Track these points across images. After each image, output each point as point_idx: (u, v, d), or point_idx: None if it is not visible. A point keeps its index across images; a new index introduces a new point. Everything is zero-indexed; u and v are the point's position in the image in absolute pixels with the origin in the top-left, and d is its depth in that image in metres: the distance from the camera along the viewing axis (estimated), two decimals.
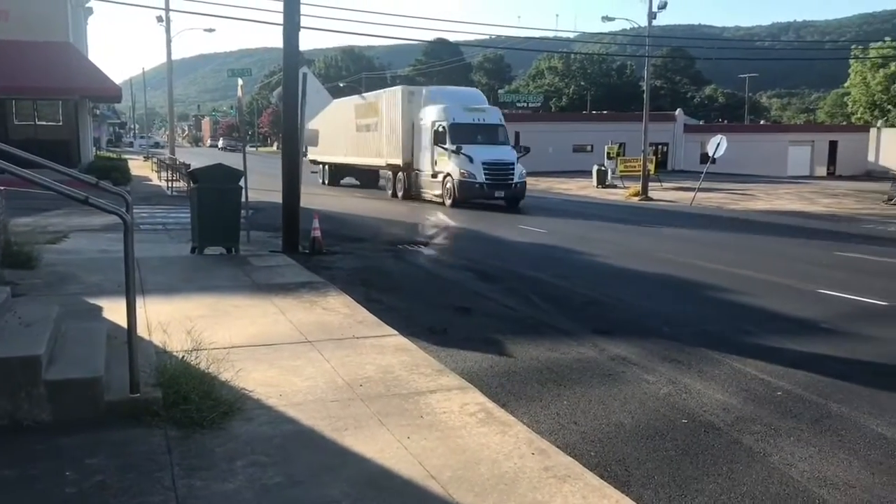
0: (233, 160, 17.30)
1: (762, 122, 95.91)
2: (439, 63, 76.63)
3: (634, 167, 35.64)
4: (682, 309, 9.94)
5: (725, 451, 5.11)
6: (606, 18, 38.52)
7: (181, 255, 12.36)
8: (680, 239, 17.73)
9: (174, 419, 4.88)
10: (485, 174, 23.84)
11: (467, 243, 16.61)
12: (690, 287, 11.43)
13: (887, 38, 74.54)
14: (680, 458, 5.00)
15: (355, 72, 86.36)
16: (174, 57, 42.19)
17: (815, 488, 4.59)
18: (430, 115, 25.83)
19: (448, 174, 24.57)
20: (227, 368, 5.81)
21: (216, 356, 5.89)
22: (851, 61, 67.96)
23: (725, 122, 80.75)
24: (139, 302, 5.90)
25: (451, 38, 76.32)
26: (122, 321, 5.24)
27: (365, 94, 32.88)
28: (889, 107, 63.57)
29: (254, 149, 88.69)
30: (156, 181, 33.17)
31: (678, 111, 59.88)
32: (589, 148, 51.49)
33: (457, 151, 24.12)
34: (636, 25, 40.01)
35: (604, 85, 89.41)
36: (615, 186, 37.23)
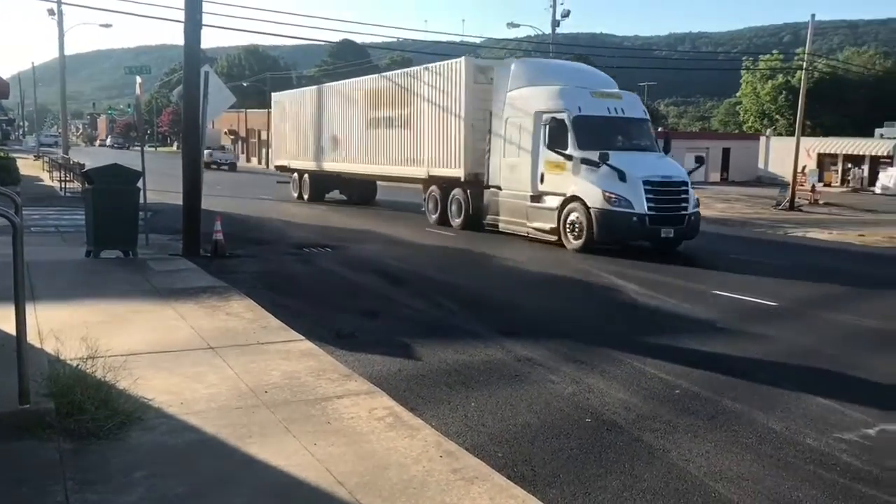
0: (124, 158, 16.69)
1: (660, 129, 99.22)
2: (346, 64, 76.06)
3: None
4: (585, 310, 10.18)
5: (627, 448, 5.25)
6: (511, 25, 39.00)
7: (75, 258, 11.85)
8: None
9: (68, 430, 4.67)
10: (648, 201, 14.75)
11: None
12: (594, 289, 11.71)
13: (775, 51, 78.54)
14: (584, 456, 5.11)
15: (259, 71, 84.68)
16: (68, 52, 40.41)
17: (711, 482, 4.77)
18: (534, 102, 16.49)
19: (573, 198, 15.39)
20: (125, 377, 5.60)
21: (113, 364, 5.66)
22: (743, 72, 71.32)
23: None
24: (29, 308, 5.62)
25: (358, 39, 75.84)
26: (11, 329, 4.97)
27: (389, 74, 23.16)
28: (777, 116, 66.93)
29: (153, 149, 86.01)
30: (48, 181, 31.68)
31: None
32: None
33: (597, 162, 14.97)
34: (541, 32, 40.86)
35: None
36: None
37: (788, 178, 33.44)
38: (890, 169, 43.80)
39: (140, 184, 12.10)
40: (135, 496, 3.98)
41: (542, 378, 6.81)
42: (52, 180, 30.80)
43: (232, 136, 72.68)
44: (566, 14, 38.70)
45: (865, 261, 16.40)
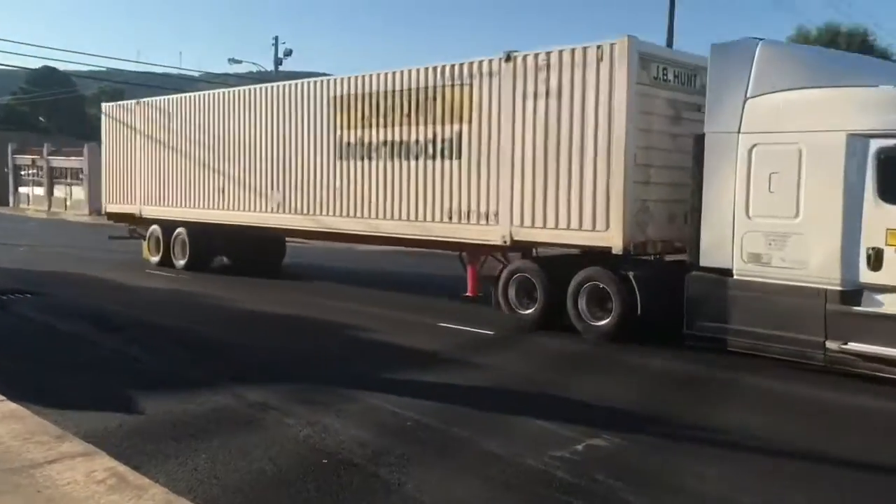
0: None
1: None
2: (48, 93, 69.42)
3: None
4: (318, 348, 10.17)
5: (364, 485, 5.31)
6: (233, 61, 38.36)
7: None
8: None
9: None
10: None
11: None
12: (326, 327, 11.73)
13: None
14: (322, 498, 5.08)
15: None
16: None
17: None
18: (838, 116, 9.15)
19: None
20: None
21: None
22: None
23: None
24: None
25: (62, 67, 69.78)
26: None
27: (441, 67, 13.06)
28: None
29: None
30: None
31: None
32: None
33: None
34: (263, 69, 40.58)
35: None
36: None
37: None
38: None
39: None
40: None
41: (277, 422, 6.68)
42: None
43: None
44: (289, 53, 38.98)
45: None
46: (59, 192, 49.65)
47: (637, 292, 10.56)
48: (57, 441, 5.59)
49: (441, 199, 12.94)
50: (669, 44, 24.52)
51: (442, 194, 12.93)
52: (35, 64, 76.11)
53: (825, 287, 8.99)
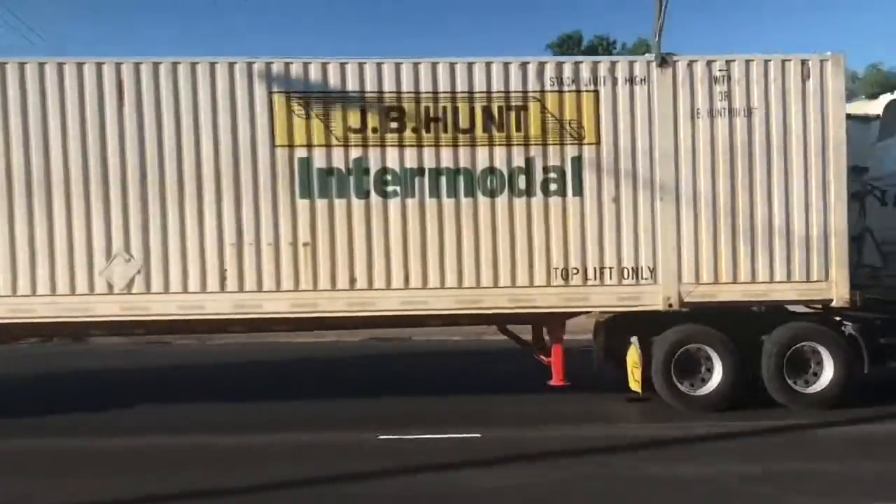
0: None
1: None
2: None
3: None
4: None
5: None
6: None
7: None
8: None
9: None
10: None
11: None
12: None
13: None
14: None
15: None
16: None
17: None
18: None
19: None
20: None
21: None
22: None
23: None
24: None
25: None
26: None
27: (537, 63, 8.73)
28: None
29: None
30: None
31: None
32: None
33: None
34: None
35: None
36: None
37: None
38: None
39: None
40: None
41: None
42: None
43: None
44: None
45: None
46: None
47: (864, 349, 9.03)
48: None
49: (545, 253, 9.03)
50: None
51: (547, 247, 9.03)
52: None
53: None
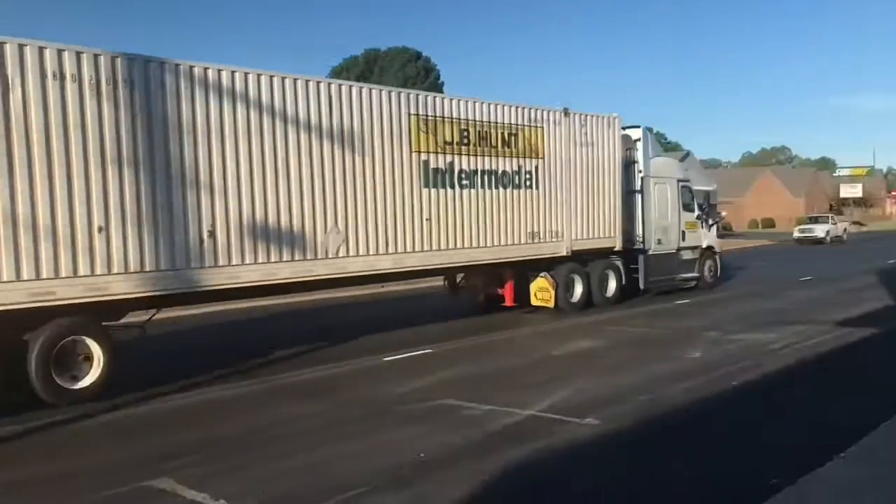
0: None
1: None
2: None
3: None
4: None
5: None
6: None
7: None
8: None
9: None
10: None
11: None
12: None
13: None
14: None
15: None
16: None
17: None
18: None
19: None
20: None
21: None
22: None
23: None
24: None
25: None
26: None
27: (521, 108, 15.24)
28: None
29: None
30: None
31: None
32: None
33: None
34: None
35: None
36: None
37: None
38: None
39: None
40: None
41: None
42: None
43: None
44: None
45: None
46: None
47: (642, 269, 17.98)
48: None
49: (524, 223, 15.22)
50: None
51: (526, 219, 15.25)
52: None
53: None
